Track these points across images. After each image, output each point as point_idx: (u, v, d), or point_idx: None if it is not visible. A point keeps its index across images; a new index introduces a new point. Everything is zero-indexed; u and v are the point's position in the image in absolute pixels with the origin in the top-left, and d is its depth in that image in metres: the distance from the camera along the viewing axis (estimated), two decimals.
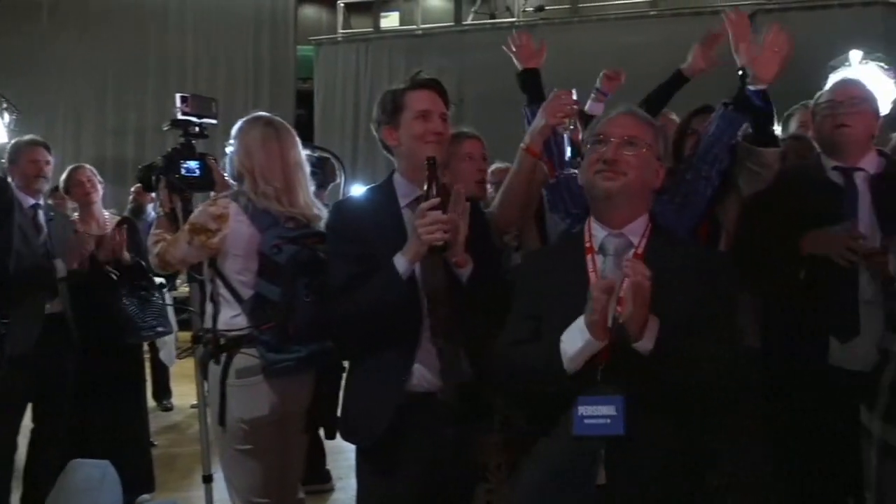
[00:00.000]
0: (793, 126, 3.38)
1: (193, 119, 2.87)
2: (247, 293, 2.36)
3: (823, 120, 2.39)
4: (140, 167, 2.93)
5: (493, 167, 4.20)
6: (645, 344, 1.53)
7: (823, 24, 7.01)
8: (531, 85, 2.49)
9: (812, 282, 2.23)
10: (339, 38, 9.50)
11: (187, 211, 2.68)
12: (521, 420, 2.24)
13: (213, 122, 2.93)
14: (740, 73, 2.33)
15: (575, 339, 1.58)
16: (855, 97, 2.34)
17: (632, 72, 2.86)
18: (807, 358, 2.23)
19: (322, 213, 2.48)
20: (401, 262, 1.88)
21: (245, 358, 2.34)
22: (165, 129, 2.91)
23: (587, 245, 1.73)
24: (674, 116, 2.95)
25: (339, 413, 2.13)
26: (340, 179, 3.95)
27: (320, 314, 2.04)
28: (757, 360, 2.54)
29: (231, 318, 2.37)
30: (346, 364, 2.35)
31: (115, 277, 3.56)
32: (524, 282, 1.81)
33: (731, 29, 2.41)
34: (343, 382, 2.19)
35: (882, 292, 2.09)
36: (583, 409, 1.59)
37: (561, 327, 1.61)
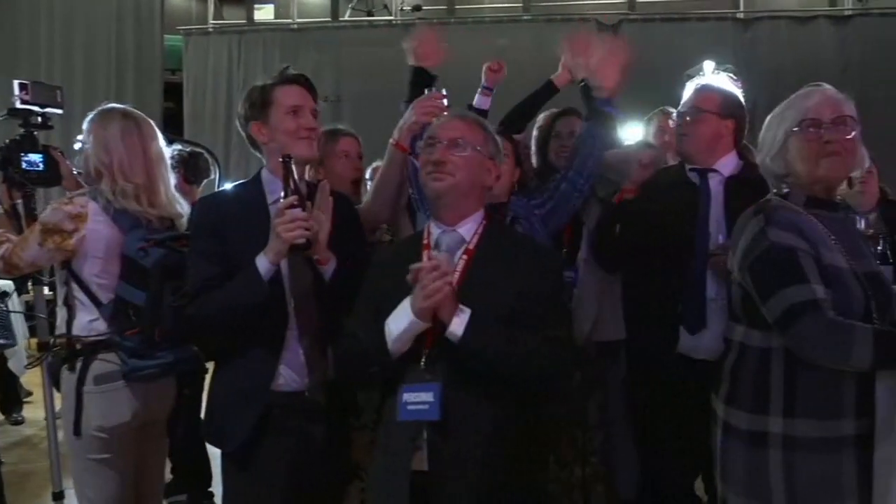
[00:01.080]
0: (651, 130, 3.57)
1: (35, 108, 2.64)
2: (106, 297, 2.23)
3: (675, 128, 2.60)
4: None
5: (373, 165, 4.18)
6: (454, 332, 1.63)
7: (682, 35, 7.49)
8: (419, 84, 2.48)
9: (667, 280, 2.40)
10: (210, 30, 9.12)
11: (29, 208, 2.49)
12: None
13: (58, 111, 2.71)
14: (582, 85, 2.49)
15: (400, 320, 1.66)
16: (693, 107, 2.49)
17: (509, 70, 2.93)
18: (660, 347, 2.40)
19: (184, 209, 2.38)
20: (262, 262, 1.86)
21: (103, 364, 2.21)
22: (1, 118, 2.68)
23: (425, 242, 1.82)
24: None
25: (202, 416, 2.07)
26: (215, 175, 3.80)
27: (181, 315, 1.97)
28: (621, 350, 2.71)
29: (88, 322, 2.24)
30: (208, 366, 2.28)
31: None
32: (370, 277, 1.86)
33: (570, 47, 2.57)
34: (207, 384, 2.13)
35: (725, 289, 2.26)
36: (406, 396, 1.68)
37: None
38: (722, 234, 2.34)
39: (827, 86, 1.86)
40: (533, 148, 3.04)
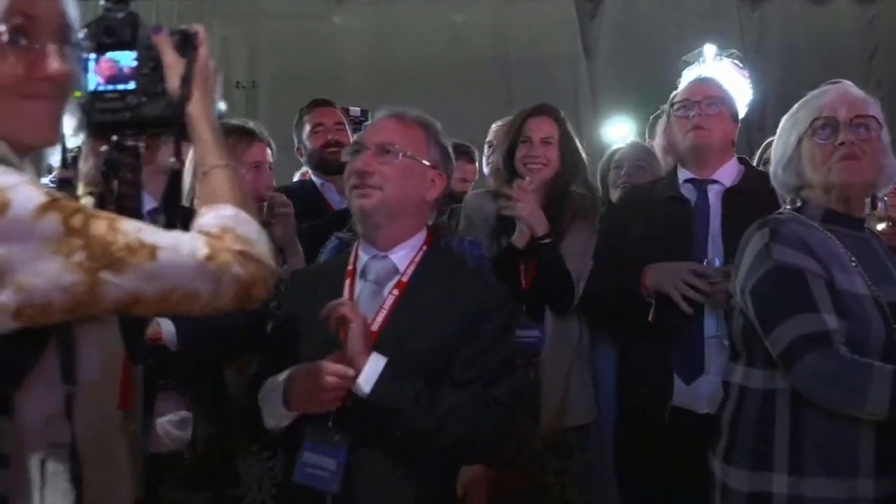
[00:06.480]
0: (658, 129, 3.61)
1: None
2: None
3: (678, 122, 2.59)
4: None
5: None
6: (361, 387, 1.65)
7: (678, 14, 7.64)
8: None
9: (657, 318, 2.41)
10: None
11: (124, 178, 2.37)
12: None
13: None
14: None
15: (273, 398, 1.71)
16: (712, 97, 2.55)
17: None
18: (652, 401, 2.41)
19: None
20: None
21: None
22: None
23: (349, 268, 1.84)
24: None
25: None
26: None
27: None
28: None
29: None
30: None
31: None
32: (284, 303, 1.89)
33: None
34: None
35: (726, 325, 2.30)
36: (307, 456, 1.71)
37: (304, 358, 1.71)
38: (719, 258, 2.38)
39: (847, 82, 1.95)
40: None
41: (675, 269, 2.37)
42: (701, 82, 2.72)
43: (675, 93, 2.70)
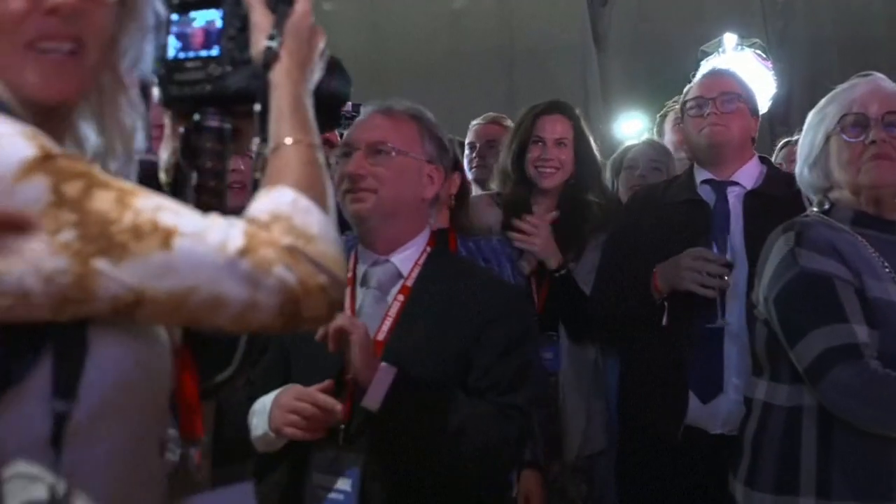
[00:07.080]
0: (667, 126, 3.61)
1: None
2: None
3: (691, 121, 2.58)
4: None
5: None
6: (370, 401, 1.65)
7: (696, 0, 7.68)
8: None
9: (670, 329, 2.41)
10: None
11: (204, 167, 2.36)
12: None
13: None
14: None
15: (260, 421, 1.71)
16: (728, 92, 2.54)
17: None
18: (663, 419, 2.41)
19: None
20: None
21: None
22: None
23: (348, 276, 1.82)
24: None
25: None
26: None
27: None
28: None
29: None
30: None
31: None
32: None
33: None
34: None
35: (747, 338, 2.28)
36: (318, 477, 1.71)
37: (305, 373, 1.72)
38: (740, 268, 2.36)
39: (879, 75, 1.95)
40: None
41: (679, 260, 2.37)
42: (715, 76, 2.71)
43: (687, 87, 2.69)
